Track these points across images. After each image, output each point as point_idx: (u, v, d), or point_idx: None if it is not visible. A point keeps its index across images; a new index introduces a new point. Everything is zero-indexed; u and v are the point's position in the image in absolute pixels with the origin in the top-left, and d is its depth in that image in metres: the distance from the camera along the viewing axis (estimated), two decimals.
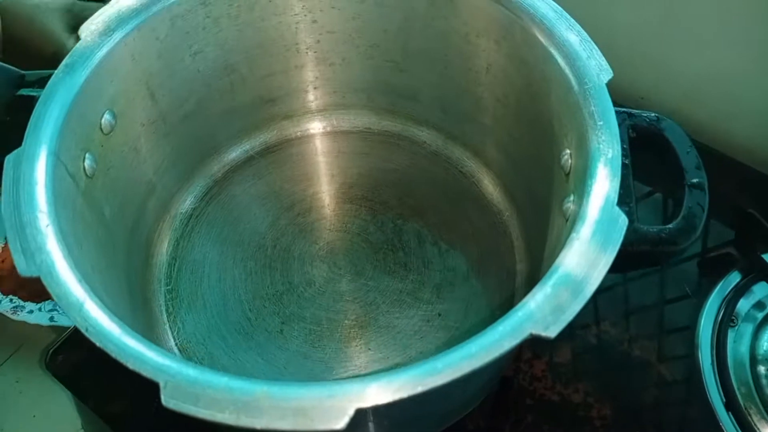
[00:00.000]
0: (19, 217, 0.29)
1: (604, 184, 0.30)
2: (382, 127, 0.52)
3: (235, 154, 0.51)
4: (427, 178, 0.50)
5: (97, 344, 0.25)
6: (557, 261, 0.28)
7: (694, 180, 0.34)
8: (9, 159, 0.31)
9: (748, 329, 0.45)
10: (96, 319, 0.26)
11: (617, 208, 0.29)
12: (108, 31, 0.36)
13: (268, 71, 0.47)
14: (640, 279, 0.48)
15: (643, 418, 0.43)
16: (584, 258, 0.28)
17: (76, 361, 0.45)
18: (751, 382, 0.43)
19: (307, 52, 0.47)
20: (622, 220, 0.28)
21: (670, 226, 0.33)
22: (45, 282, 0.28)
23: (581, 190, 0.31)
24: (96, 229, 0.35)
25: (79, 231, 0.32)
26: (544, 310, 0.26)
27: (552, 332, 0.25)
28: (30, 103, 0.35)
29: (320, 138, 0.52)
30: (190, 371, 0.24)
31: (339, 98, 0.51)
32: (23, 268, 0.28)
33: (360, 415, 0.24)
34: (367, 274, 0.45)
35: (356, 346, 0.42)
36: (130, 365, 0.25)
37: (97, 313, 0.27)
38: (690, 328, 0.45)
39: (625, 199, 0.32)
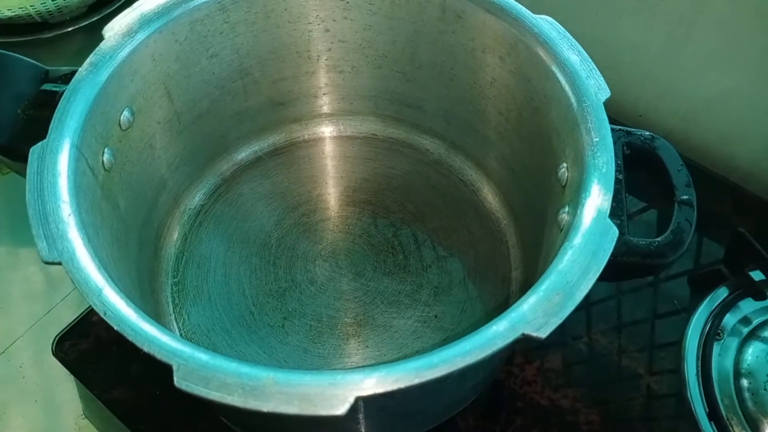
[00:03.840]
0: (42, 206, 0.30)
1: (597, 197, 0.31)
2: (388, 134, 0.53)
3: (244, 154, 0.51)
4: (428, 185, 0.50)
5: (115, 328, 0.26)
6: (551, 267, 0.29)
7: (684, 197, 0.35)
8: (34, 150, 0.32)
9: (733, 343, 0.46)
10: (114, 304, 0.27)
11: (609, 221, 0.30)
12: (131, 32, 0.37)
13: (280, 76, 0.48)
14: (632, 293, 0.49)
15: (629, 425, 0.43)
16: (576, 265, 0.29)
17: (83, 348, 0.45)
18: (734, 394, 0.43)
19: (318, 59, 0.48)
20: (613, 232, 0.29)
21: (659, 239, 0.33)
22: (66, 268, 0.28)
23: (576, 202, 0.32)
24: (111, 221, 0.36)
25: (97, 222, 0.33)
26: (537, 312, 0.27)
27: (543, 333, 0.26)
28: (53, 98, 0.36)
29: (327, 142, 0.53)
30: (202, 356, 0.25)
31: (347, 104, 0.52)
32: (45, 254, 0.29)
33: (359, 404, 0.25)
34: (367, 274, 0.46)
35: (354, 343, 0.43)
36: (146, 348, 0.26)
37: (115, 299, 0.28)
38: (678, 343, 0.46)
39: (617, 212, 0.33)
